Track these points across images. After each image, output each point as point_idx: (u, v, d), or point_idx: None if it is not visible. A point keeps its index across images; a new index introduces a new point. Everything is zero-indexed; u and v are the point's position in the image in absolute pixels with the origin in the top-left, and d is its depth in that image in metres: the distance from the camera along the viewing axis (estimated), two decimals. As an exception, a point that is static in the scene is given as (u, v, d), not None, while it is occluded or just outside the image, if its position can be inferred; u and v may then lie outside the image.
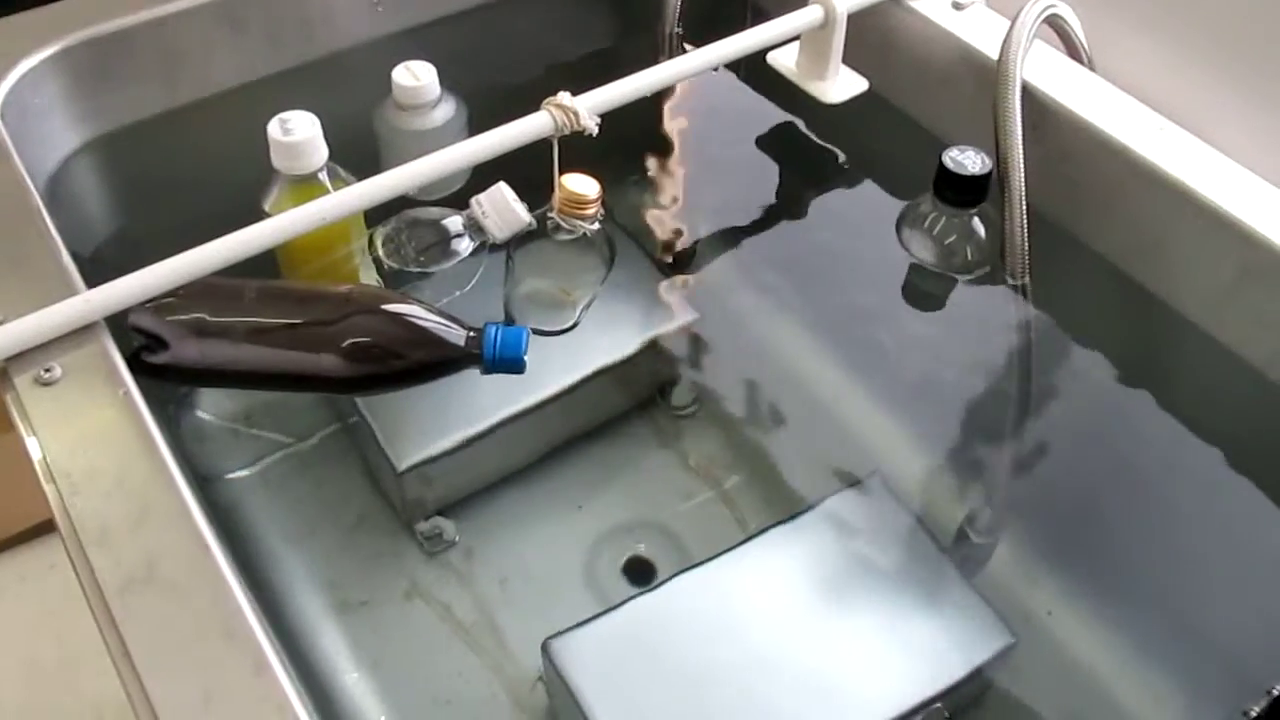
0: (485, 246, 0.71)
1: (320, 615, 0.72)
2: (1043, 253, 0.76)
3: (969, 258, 0.78)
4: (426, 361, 0.64)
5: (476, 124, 0.70)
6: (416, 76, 0.77)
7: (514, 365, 0.64)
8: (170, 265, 0.61)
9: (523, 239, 0.71)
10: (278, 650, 0.48)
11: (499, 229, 0.69)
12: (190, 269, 0.61)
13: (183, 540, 0.50)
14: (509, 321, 0.74)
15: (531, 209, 0.70)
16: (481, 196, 0.69)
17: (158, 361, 0.61)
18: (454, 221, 0.70)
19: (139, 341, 0.61)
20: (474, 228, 0.70)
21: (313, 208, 0.64)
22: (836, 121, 0.88)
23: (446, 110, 0.78)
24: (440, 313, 0.64)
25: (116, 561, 0.49)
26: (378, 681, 0.69)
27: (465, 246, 0.70)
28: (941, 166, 0.75)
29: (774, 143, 0.94)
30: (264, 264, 0.66)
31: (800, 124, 0.94)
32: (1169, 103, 0.76)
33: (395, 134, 0.78)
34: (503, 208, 0.69)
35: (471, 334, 0.64)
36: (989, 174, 0.74)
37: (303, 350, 0.62)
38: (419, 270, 0.70)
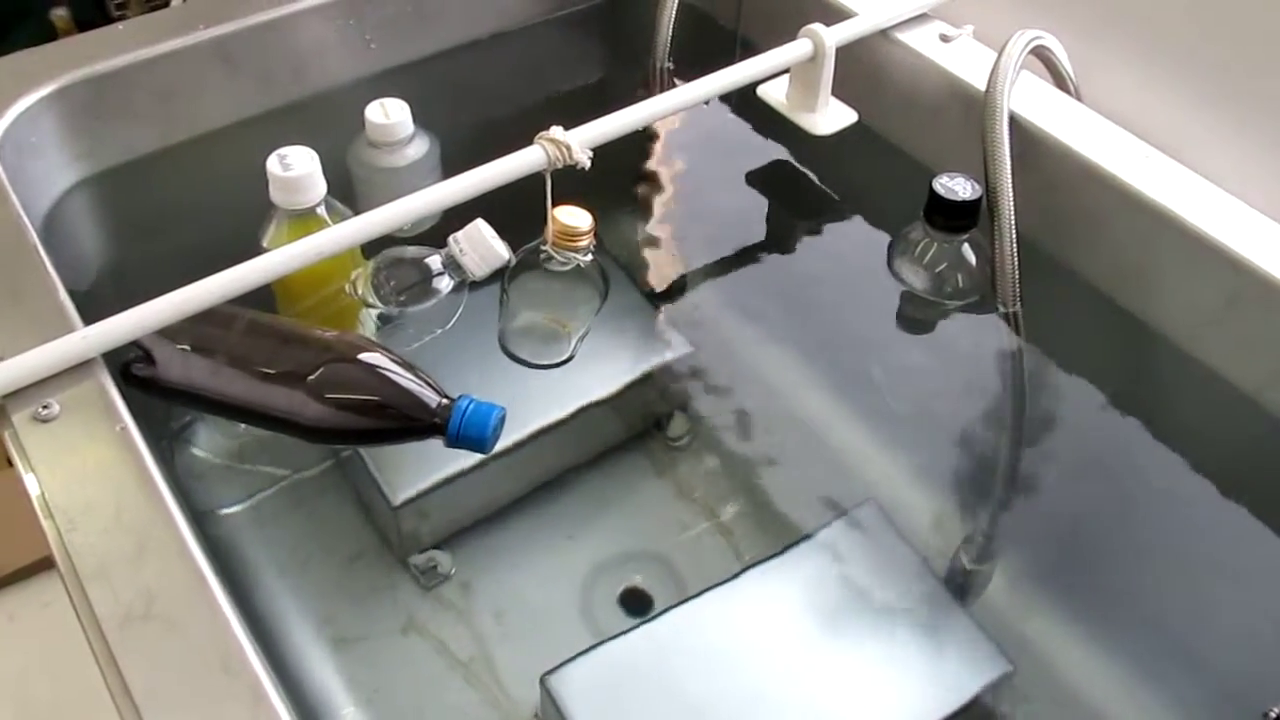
0: (465, 284, 0.71)
1: (316, 650, 0.71)
2: (1033, 281, 0.77)
3: (960, 285, 0.79)
4: (389, 427, 0.63)
5: (471, 159, 0.70)
6: (389, 114, 0.77)
7: (477, 445, 0.62)
8: (167, 301, 0.61)
9: (516, 271, 0.72)
10: (275, 684, 0.48)
11: (478, 266, 0.69)
12: (187, 305, 0.61)
13: (181, 575, 0.50)
14: (505, 353, 0.74)
15: (515, 244, 0.71)
16: (459, 234, 0.70)
17: (143, 375, 0.62)
18: (433, 260, 0.70)
19: (133, 354, 0.61)
20: (453, 265, 0.70)
21: (309, 243, 0.65)
22: (827, 153, 0.89)
23: (419, 147, 0.79)
24: (419, 375, 0.63)
25: (115, 597, 0.49)
26: (374, 717, 0.68)
27: (445, 285, 0.70)
28: (932, 192, 0.75)
29: (765, 174, 0.95)
30: (262, 297, 0.67)
31: (791, 156, 0.95)
32: (1155, 131, 0.77)
33: (368, 171, 0.79)
34: (480, 244, 0.69)
35: (444, 402, 0.63)
36: (979, 200, 0.75)
37: (276, 392, 0.62)
38: (400, 310, 0.71)
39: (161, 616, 0.49)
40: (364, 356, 0.63)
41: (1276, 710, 0.57)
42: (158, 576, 0.50)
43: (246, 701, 0.46)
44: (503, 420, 0.62)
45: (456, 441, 0.62)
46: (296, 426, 0.62)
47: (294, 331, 0.65)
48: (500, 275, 0.72)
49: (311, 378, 0.61)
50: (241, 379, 0.62)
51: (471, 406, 0.62)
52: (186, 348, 0.62)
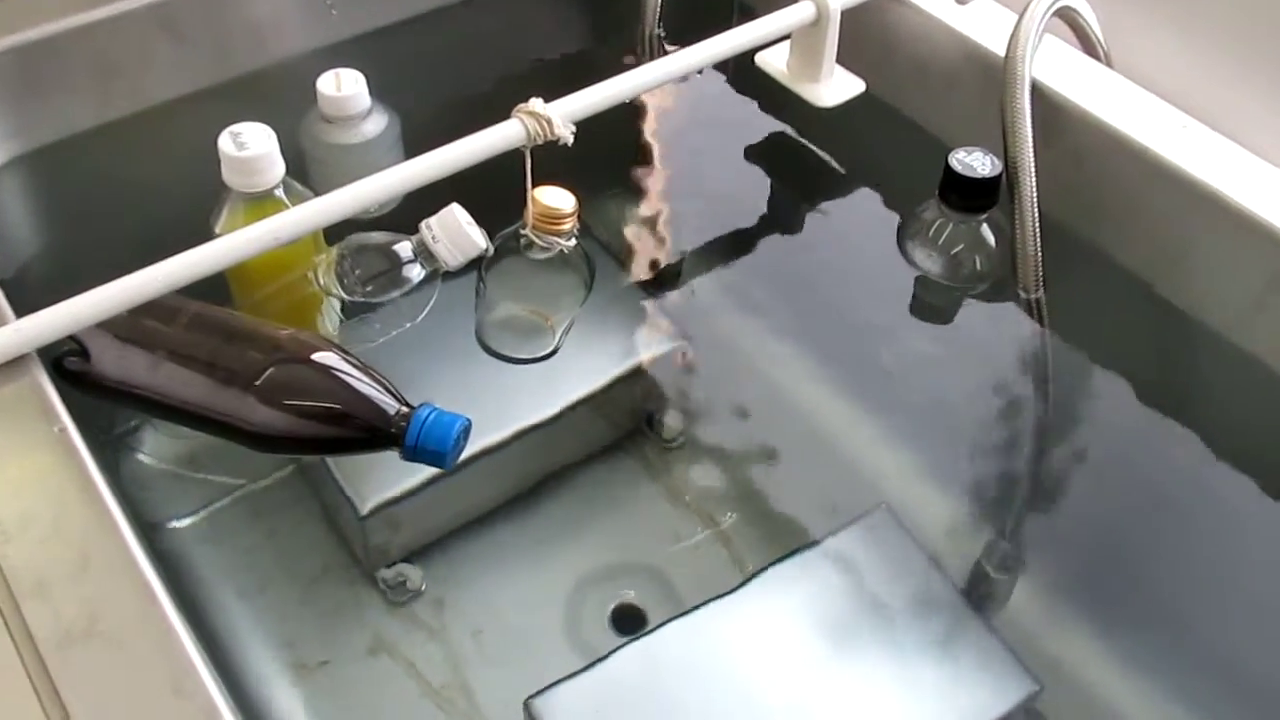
0: (438, 274, 0.71)
1: (275, 677, 0.72)
2: (1057, 264, 0.77)
3: (978, 268, 0.79)
4: (342, 436, 0.63)
5: (439, 138, 0.70)
6: (342, 86, 0.77)
7: (437, 459, 0.61)
8: (109, 291, 0.61)
9: (494, 259, 0.72)
10: (232, 709, 0.48)
11: (451, 256, 0.69)
12: (131, 295, 0.61)
13: (127, 590, 0.50)
14: (483, 348, 0.74)
15: (491, 231, 0.71)
16: (432, 220, 0.69)
17: (76, 370, 0.62)
18: (403, 247, 0.70)
19: (66, 346, 0.61)
20: (425, 254, 0.70)
21: (264, 227, 0.64)
22: (831, 126, 0.89)
23: (377, 123, 0.79)
24: (378, 379, 0.63)
25: (55, 614, 0.49)
26: (339, 749, 0.69)
27: (416, 274, 0.70)
28: (948, 169, 0.76)
29: (765, 150, 0.95)
30: (217, 289, 0.67)
31: (792, 130, 0.95)
32: (1192, 99, 0.77)
33: (321, 148, 0.79)
34: (455, 232, 0.69)
35: (403, 410, 0.62)
36: (999, 177, 0.75)
37: (219, 393, 0.62)
38: (364, 301, 0.70)
39: (106, 635, 0.48)
40: (317, 357, 0.62)
41: None
42: (102, 592, 0.50)
43: (201, 727, 0.46)
44: (467, 432, 0.62)
45: (414, 454, 0.61)
46: (240, 432, 0.62)
47: (242, 327, 0.65)
48: (476, 264, 0.72)
49: (257, 379, 0.61)
50: (183, 378, 0.62)
51: (432, 416, 0.61)
52: (125, 341, 0.62)
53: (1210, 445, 0.74)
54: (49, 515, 0.53)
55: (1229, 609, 0.70)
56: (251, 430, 0.62)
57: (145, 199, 0.82)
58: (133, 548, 0.52)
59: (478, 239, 0.69)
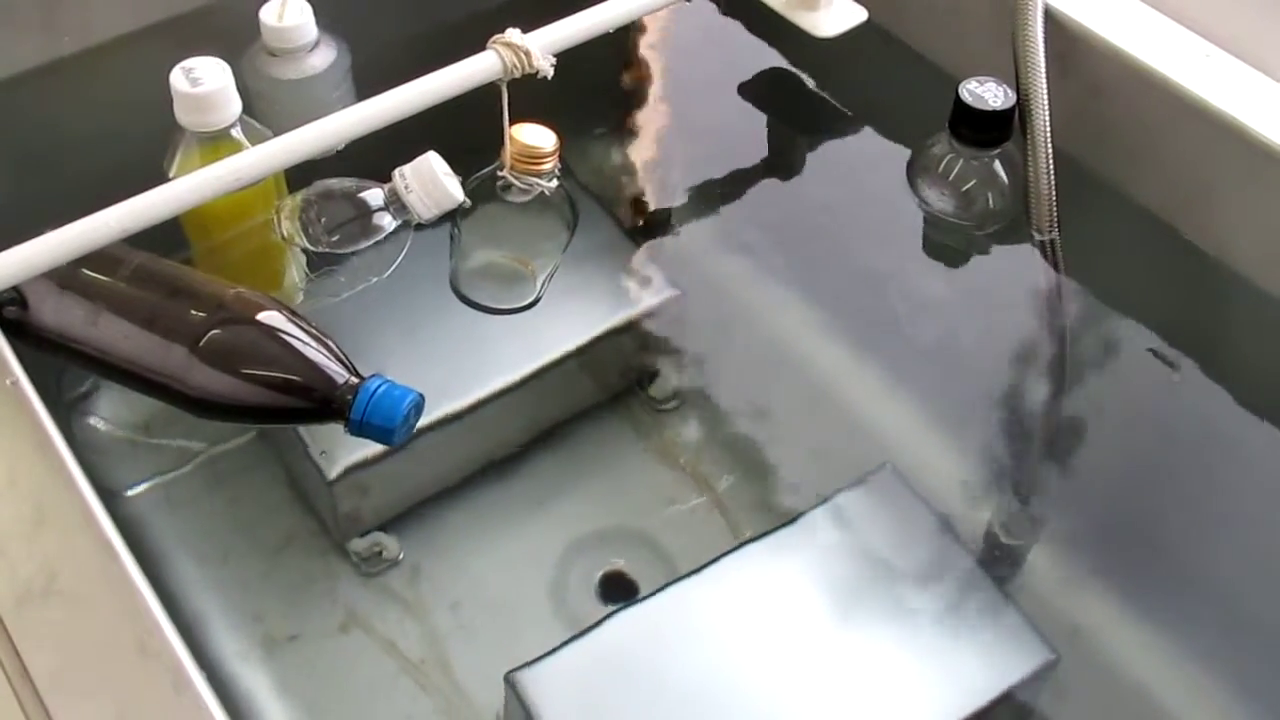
0: (410, 225, 0.71)
1: (241, 653, 0.73)
2: (1073, 203, 0.78)
3: (990, 206, 0.80)
4: (284, 405, 0.63)
5: (408, 71, 0.70)
6: (285, 15, 0.77)
7: (383, 435, 0.62)
8: (58, 238, 0.61)
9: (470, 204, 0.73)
10: (199, 670, 0.50)
11: (425, 207, 0.70)
12: (78, 242, 0.62)
13: (87, 548, 0.52)
14: (459, 298, 0.75)
15: (466, 176, 0.71)
16: (406, 168, 0.70)
17: (12, 318, 0.63)
18: (373, 195, 0.71)
19: (5, 295, 0.63)
20: (396, 203, 0.70)
21: (224, 167, 0.65)
22: (832, 58, 0.89)
23: (324, 56, 0.79)
24: (328, 346, 0.64)
25: (11, 572, 0.51)
26: (311, 728, 0.70)
27: (386, 224, 0.71)
28: (958, 100, 0.77)
29: (760, 85, 0.95)
30: (174, 239, 0.68)
31: (790, 62, 0.95)
32: (1216, 26, 0.77)
33: (265, 84, 0.79)
34: (430, 182, 0.69)
35: (351, 380, 0.63)
36: (1013, 109, 0.76)
37: (157, 351, 0.63)
38: (330, 251, 0.71)
39: (66, 593, 0.50)
40: (262, 317, 0.63)
41: None
42: (60, 549, 0.51)
43: (166, 685, 0.48)
44: (419, 408, 0.63)
45: (360, 429, 0.62)
46: (179, 395, 0.63)
47: (187, 282, 0.66)
48: (451, 211, 0.72)
49: (198, 339, 0.62)
50: (122, 333, 0.63)
51: (381, 389, 0.62)
52: (64, 290, 0.64)
53: (1238, 397, 0.75)
54: (2, 470, 0.54)
55: (1260, 572, 0.71)
56: (190, 394, 0.63)
57: (93, 142, 0.82)
58: (92, 504, 0.53)
59: (454, 191, 0.70)
